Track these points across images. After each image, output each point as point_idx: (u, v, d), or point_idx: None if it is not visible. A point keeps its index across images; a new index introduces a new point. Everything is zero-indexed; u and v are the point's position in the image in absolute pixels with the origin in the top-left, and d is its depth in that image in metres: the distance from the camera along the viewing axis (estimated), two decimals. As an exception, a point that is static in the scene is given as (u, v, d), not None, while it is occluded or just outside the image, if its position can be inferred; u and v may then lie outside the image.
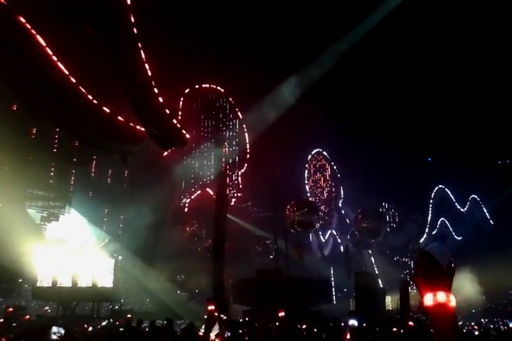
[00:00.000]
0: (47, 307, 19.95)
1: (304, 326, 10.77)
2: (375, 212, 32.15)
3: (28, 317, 15.62)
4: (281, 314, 10.10)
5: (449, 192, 40.20)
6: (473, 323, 20.97)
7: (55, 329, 8.63)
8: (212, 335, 7.21)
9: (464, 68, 27.02)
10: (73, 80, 17.36)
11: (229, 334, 8.65)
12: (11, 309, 15.60)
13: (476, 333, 13.49)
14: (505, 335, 12.23)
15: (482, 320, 24.85)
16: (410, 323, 11.02)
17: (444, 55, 26.51)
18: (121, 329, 11.78)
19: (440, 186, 39.80)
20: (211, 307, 6.89)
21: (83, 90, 17.99)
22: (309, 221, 28.62)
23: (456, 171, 35.80)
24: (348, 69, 27.01)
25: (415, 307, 25.61)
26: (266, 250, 30.14)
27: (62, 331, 8.41)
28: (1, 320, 13.67)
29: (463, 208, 40.96)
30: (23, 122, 17.31)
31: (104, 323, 16.10)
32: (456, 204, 40.69)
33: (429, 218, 38.70)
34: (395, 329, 10.76)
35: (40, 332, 8.97)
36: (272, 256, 29.69)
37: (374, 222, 29.74)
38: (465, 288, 32.66)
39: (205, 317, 7.57)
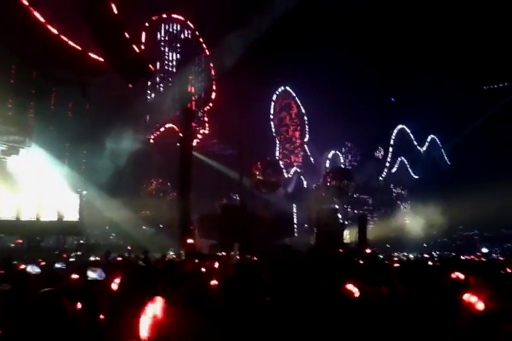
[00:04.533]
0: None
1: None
2: (343, 170, 32.65)
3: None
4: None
5: (409, 132, 41.41)
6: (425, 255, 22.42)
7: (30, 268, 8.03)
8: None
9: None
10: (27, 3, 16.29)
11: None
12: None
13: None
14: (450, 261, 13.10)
15: (433, 252, 26.47)
16: (367, 250, 11.66)
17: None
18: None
19: (401, 126, 40.89)
20: (190, 241, 7.19)
21: (41, 19, 17.08)
22: (274, 181, 28.57)
23: (417, 111, 36.77)
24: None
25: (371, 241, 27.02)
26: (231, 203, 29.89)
27: (37, 269, 7.93)
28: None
29: (421, 148, 42.44)
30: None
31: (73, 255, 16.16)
32: (416, 144, 42.11)
33: (389, 157, 40.05)
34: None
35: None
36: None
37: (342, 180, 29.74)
38: (419, 224, 34.67)
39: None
